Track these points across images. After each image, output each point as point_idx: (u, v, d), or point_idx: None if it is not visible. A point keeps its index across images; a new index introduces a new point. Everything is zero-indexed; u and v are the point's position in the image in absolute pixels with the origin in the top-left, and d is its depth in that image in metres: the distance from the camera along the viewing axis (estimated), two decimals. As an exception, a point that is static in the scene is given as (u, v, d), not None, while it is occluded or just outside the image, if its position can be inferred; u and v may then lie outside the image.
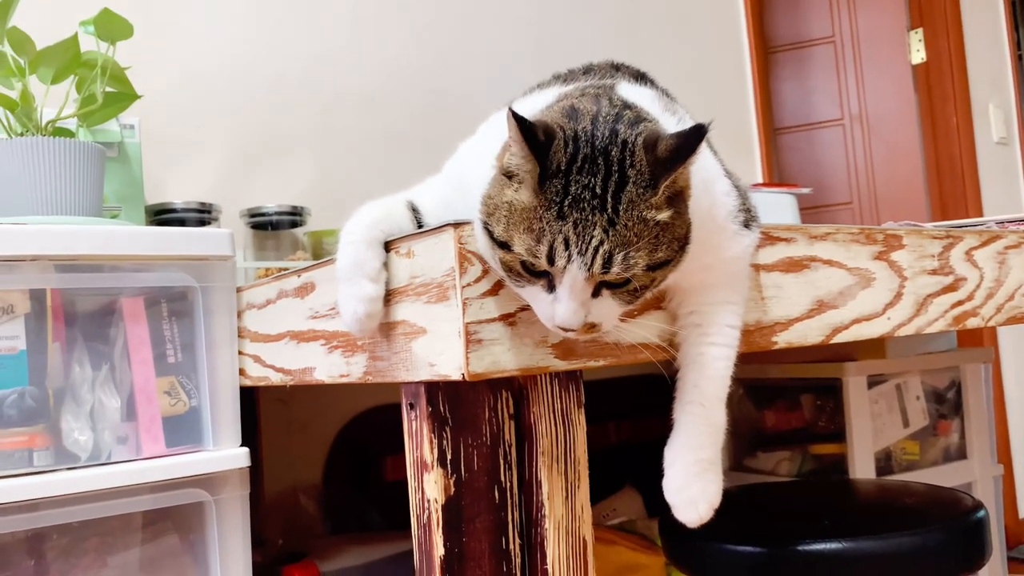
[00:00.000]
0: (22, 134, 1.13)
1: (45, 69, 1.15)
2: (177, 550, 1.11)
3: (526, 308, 0.70)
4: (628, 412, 2.01)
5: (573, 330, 0.66)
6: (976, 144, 3.03)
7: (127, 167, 1.32)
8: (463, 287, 0.68)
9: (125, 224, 1.14)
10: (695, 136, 0.64)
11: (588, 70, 0.92)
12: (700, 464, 0.78)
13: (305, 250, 1.54)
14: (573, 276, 0.64)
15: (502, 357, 0.69)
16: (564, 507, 0.77)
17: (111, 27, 1.15)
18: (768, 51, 2.94)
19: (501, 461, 0.77)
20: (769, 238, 0.87)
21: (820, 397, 1.79)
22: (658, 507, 1.77)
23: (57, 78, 1.16)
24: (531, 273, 0.66)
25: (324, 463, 1.67)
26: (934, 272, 1.02)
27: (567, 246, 0.63)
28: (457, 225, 0.69)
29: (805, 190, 2.13)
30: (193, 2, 1.68)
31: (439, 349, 0.71)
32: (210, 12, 1.70)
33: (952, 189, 2.96)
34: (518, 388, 0.78)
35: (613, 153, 0.65)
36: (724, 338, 0.79)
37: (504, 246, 0.65)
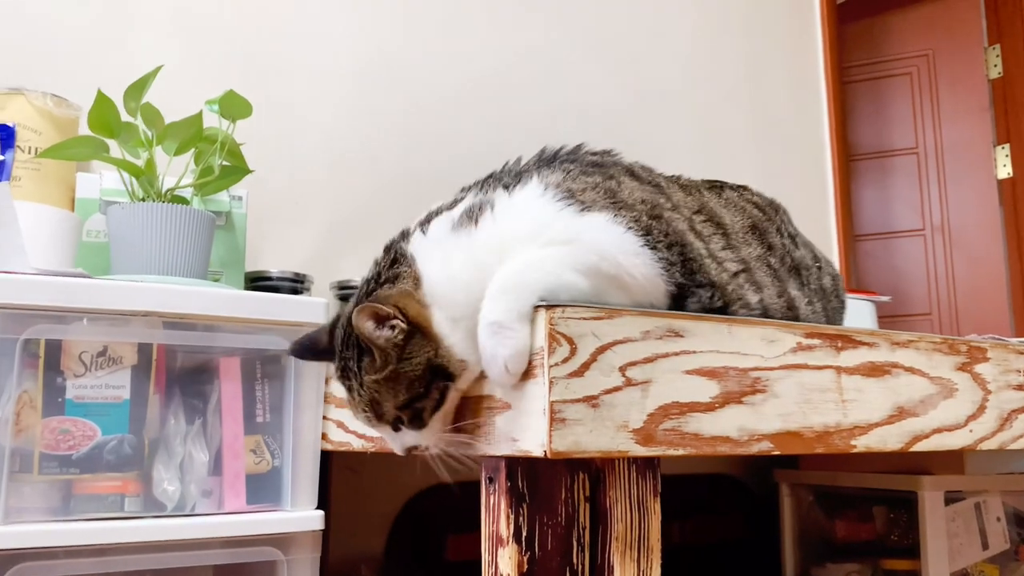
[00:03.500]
0: (143, 199, 1.22)
1: (170, 142, 1.25)
2: (244, 608, 1.14)
3: (609, 391, 0.73)
4: (692, 512, 1.98)
5: (405, 454, 0.86)
6: (1064, 262, 2.96)
7: (232, 235, 1.40)
8: (551, 366, 0.71)
9: (228, 288, 1.21)
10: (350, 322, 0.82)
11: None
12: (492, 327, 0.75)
13: (388, 324, 1.59)
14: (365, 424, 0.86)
15: (584, 438, 0.72)
16: (634, 594, 0.78)
17: (234, 107, 1.25)
18: (850, 158, 2.96)
19: (575, 543, 0.79)
20: (851, 342, 0.89)
21: (893, 510, 1.74)
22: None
23: (180, 150, 1.25)
24: None
25: (387, 535, 1.68)
26: (1020, 387, 1.01)
27: (351, 403, 0.86)
28: (549, 307, 0.72)
29: (884, 298, 2.12)
30: (302, 90, 1.80)
31: (523, 425, 0.74)
32: (318, 99, 1.81)
33: (1038, 306, 2.90)
34: (595, 471, 0.80)
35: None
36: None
37: None
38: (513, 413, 0.76)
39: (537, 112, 2.08)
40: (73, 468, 1.00)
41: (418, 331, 0.79)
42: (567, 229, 0.82)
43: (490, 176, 0.95)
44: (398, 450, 0.86)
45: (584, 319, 0.73)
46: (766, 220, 1.10)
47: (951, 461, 1.68)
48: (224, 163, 1.28)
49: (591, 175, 0.89)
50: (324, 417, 1.14)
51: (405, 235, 0.90)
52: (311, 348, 0.94)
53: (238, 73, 1.67)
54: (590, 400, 0.72)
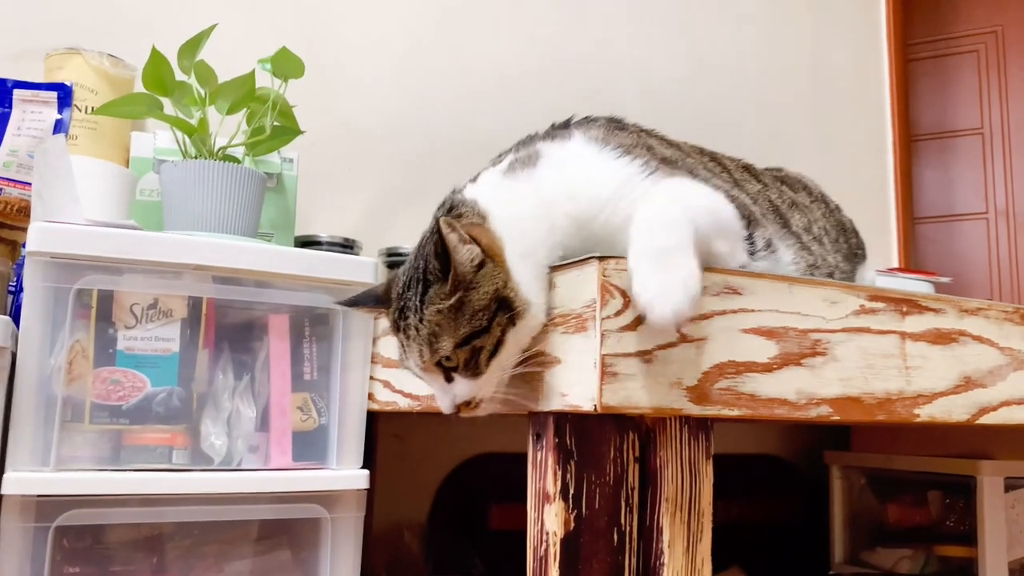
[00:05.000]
0: (196, 157, 1.22)
1: (223, 101, 1.24)
2: (289, 566, 1.14)
3: (663, 347, 0.71)
4: (739, 491, 1.94)
5: (454, 412, 0.80)
6: None
7: (283, 197, 1.40)
8: (603, 319, 0.69)
9: (278, 246, 1.20)
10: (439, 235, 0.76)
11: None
12: (662, 254, 0.70)
13: (435, 291, 1.58)
14: (416, 371, 0.81)
15: (635, 394, 0.69)
16: (684, 558, 0.76)
17: (286, 65, 1.24)
18: (912, 138, 2.87)
19: (623, 503, 0.77)
20: (917, 307, 0.85)
21: (950, 495, 1.69)
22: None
23: (232, 109, 1.25)
24: None
25: (431, 503, 1.68)
26: (1094, 363, 0.96)
27: (403, 349, 0.81)
28: (602, 259, 0.70)
29: (944, 279, 2.04)
30: (356, 52, 1.79)
31: (573, 380, 0.72)
32: (371, 63, 1.80)
33: (1107, 295, 2.78)
34: (645, 431, 0.78)
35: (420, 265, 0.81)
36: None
37: None
38: (563, 368, 0.74)
39: (595, 79, 2.04)
40: (123, 419, 1.01)
41: (490, 259, 0.77)
42: (657, 188, 0.82)
43: (520, 142, 0.96)
44: (446, 407, 0.80)
45: (638, 272, 0.71)
46: (748, 164, 1.15)
47: (1012, 445, 1.62)
48: (276, 123, 1.28)
49: (621, 131, 0.91)
50: (371, 377, 1.13)
51: (456, 191, 0.89)
52: (367, 297, 0.91)
53: (292, 35, 1.66)
54: (643, 355, 0.70)
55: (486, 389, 0.78)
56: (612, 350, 0.69)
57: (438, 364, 0.79)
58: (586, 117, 0.96)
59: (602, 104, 2.04)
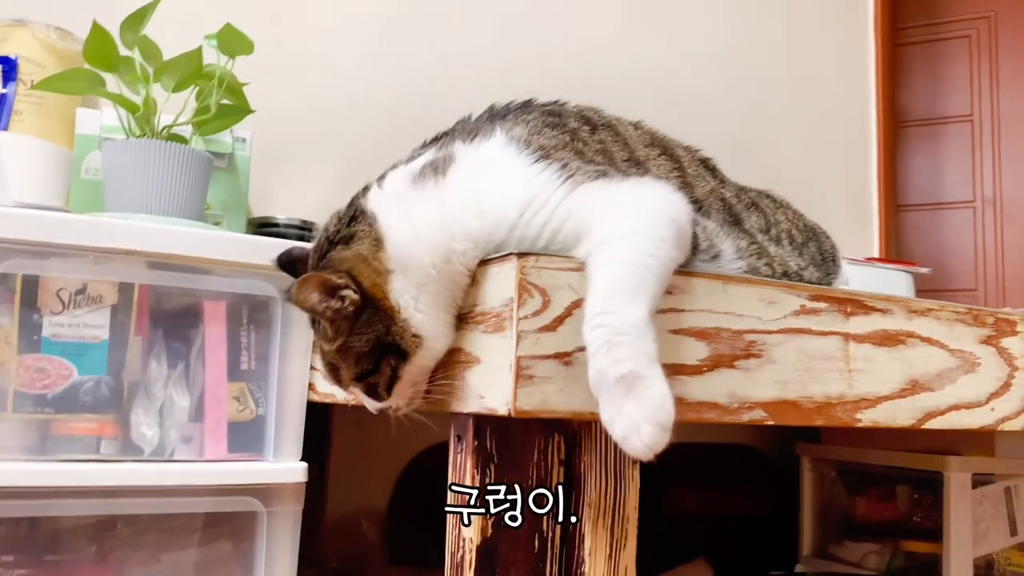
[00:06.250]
0: (139, 136, 1.18)
1: (168, 78, 1.20)
2: (228, 556, 1.12)
3: (583, 348, 0.67)
4: (709, 481, 1.92)
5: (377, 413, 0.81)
6: (1124, 241, 2.80)
7: (235, 178, 1.36)
8: (520, 319, 0.66)
9: (214, 229, 1.17)
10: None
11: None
12: (623, 381, 0.62)
13: (395, 276, 1.55)
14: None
15: (553, 397, 0.66)
16: (607, 566, 0.73)
17: (232, 42, 1.20)
18: (898, 124, 2.82)
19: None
20: (862, 307, 0.82)
21: (918, 490, 1.66)
22: (730, 583, 1.68)
23: (178, 87, 1.21)
24: None
25: (391, 492, 1.66)
26: (1051, 365, 0.93)
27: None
28: (521, 255, 0.67)
29: (923, 270, 2.01)
30: (316, 27, 1.74)
31: (490, 381, 0.69)
32: (332, 38, 1.76)
33: (1093, 286, 2.75)
34: (572, 433, 0.75)
35: None
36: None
37: None
38: (481, 368, 0.71)
39: (573, 65, 2.00)
40: (48, 407, 0.97)
41: (370, 304, 0.73)
42: (597, 199, 0.72)
43: (444, 134, 0.90)
44: (371, 409, 0.82)
45: (560, 270, 0.68)
46: (707, 157, 1.07)
47: (980, 442, 1.59)
48: (224, 101, 1.23)
49: (554, 127, 0.84)
50: (312, 367, 1.10)
51: (366, 189, 0.84)
52: (293, 271, 0.88)
53: (252, 9, 1.62)
54: (562, 357, 0.67)
55: (399, 403, 0.78)
56: (528, 352, 0.66)
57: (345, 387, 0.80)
58: (525, 103, 0.91)
59: (579, 90, 2.00)
